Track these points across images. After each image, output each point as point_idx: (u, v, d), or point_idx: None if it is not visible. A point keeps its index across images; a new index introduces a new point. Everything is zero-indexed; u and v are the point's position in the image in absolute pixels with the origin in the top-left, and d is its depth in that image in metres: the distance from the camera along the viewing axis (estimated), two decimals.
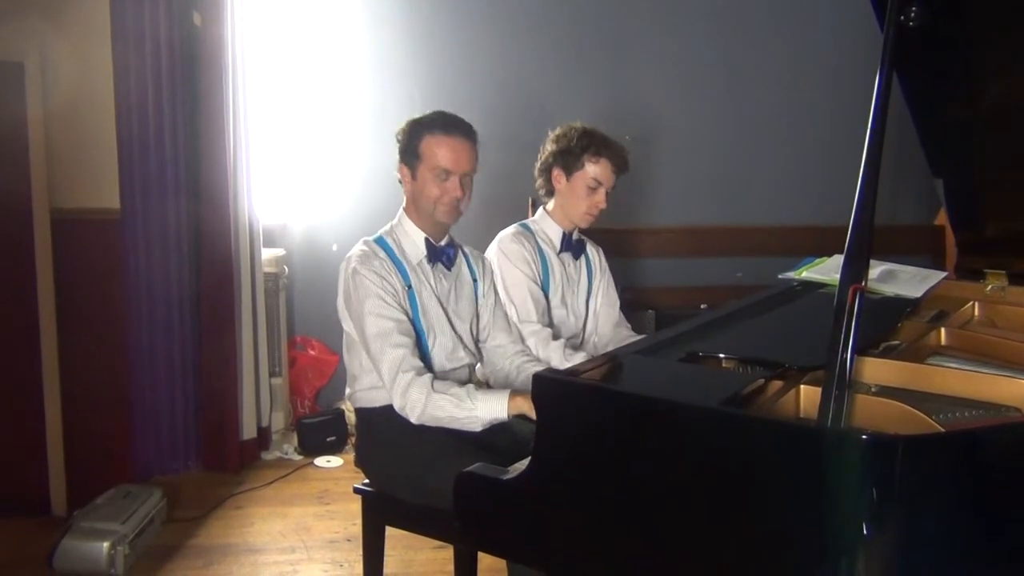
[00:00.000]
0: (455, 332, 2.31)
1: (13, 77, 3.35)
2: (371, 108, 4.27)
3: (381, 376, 2.15)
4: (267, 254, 4.05)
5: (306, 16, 4.24)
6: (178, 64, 3.62)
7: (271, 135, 4.16)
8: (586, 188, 2.63)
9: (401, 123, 2.30)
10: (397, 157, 2.30)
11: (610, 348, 2.56)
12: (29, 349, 3.42)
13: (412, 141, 2.24)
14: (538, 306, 2.60)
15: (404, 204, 2.33)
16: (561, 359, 2.50)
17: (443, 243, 2.33)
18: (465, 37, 4.35)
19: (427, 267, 2.29)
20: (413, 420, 2.09)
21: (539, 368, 2.35)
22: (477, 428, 2.07)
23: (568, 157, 2.63)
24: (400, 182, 2.32)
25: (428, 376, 2.11)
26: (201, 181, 3.72)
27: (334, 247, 4.28)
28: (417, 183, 2.24)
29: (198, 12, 3.67)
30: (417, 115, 2.29)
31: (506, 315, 2.50)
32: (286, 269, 4.24)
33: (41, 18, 3.40)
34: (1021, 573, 1.31)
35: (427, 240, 2.29)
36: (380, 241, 2.28)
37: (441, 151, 2.21)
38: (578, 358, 2.50)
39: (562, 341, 2.60)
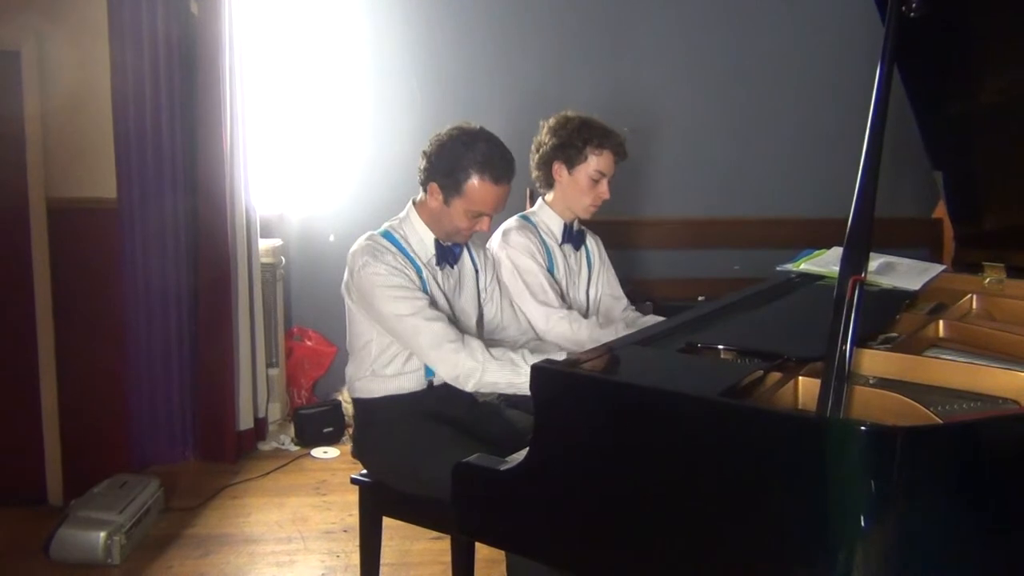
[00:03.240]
0: (460, 329, 2.30)
1: (9, 66, 3.34)
2: (369, 98, 4.26)
3: (422, 351, 2.12)
4: (264, 244, 4.04)
5: (304, 5, 4.22)
6: (175, 52, 3.61)
7: (268, 124, 4.15)
8: (589, 180, 2.60)
9: (446, 130, 2.19)
10: (425, 160, 2.19)
11: (622, 331, 2.58)
12: (25, 338, 3.42)
13: (456, 173, 2.14)
14: (555, 291, 2.59)
15: (418, 201, 2.28)
16: (597, 332, 2.48)
17: (449, 242, 2.30)
18: (464, 27, 4.33)
19: (434, 266, 2.27)
20: (468, 388, 2.07)
21: (552, 351, 2.35)
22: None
23: (570, 151, 2.59)
24: (423, 184, 2.23)
25: (478, 342, 2.09)
26: (198, 170, 3.72)
27: (331, 238, 4.27)
28: (448, 210, 2.18)
29: (195, 1, 3.65)
30: (463, 125, 2.19)
31: (512, 306, 2.49)
32: (283, 260, 4.23)
33: (38, 6, 3.38)
34: (1019, 565, 1.31)
35: (436, 241, 2.26)
36: (388, 235, 2.24)
37: (486, 197, 2.15)
38: (609, 332, 2.48)
39: (594, 319, 2.59)
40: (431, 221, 2.25)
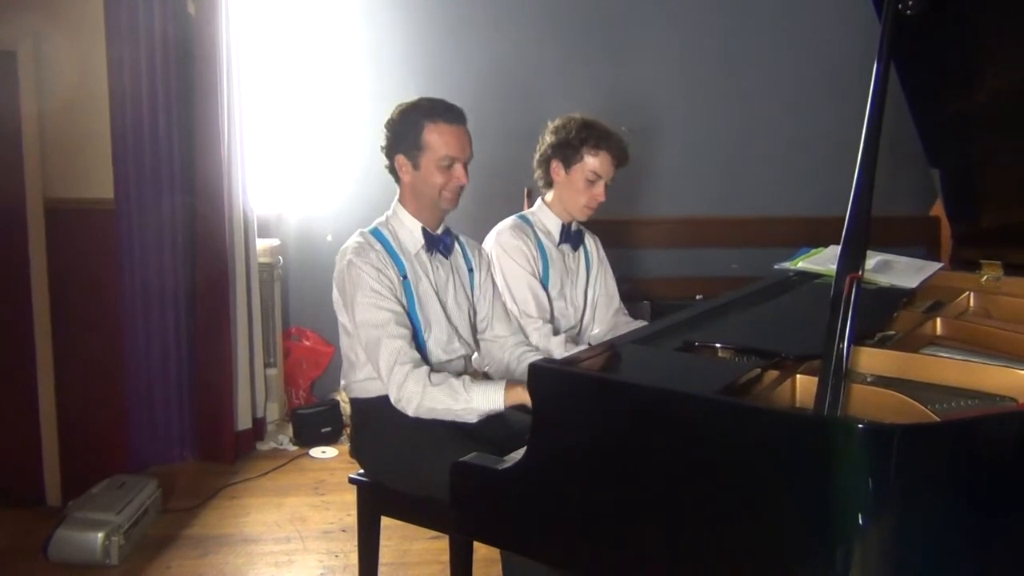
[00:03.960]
0: (451, 323, 2.30)
1: (6, 66, 3.34)
2: (367, 97, 4.25)
3: (377, 368, 2.14)
4: (262, 244, 4.04)
5: (301, 5, 4.22)
6: (172, 53, 3.61)
7: (266, 125, 4.14)
8: (585, 181, 2.60)
9: (389, 111, 2.27)
10: (384, 146, 2.27)
11: (608, 336, 2.58)
12: (23, 339, 3.42)
13: (411, 131, 2.20)
14: (539, 302, 2.59)
15: (399, 194, 2.31)
16: (562, 353, 2.49)
17: (440, 231, 2.32)
18: (462, 27, 4.33)
19: (424, 257, 2.28)
20: (410, 413, 2.08)
21: (539, 357, 2.35)
22: (473, 419, 2.06)
23: (567, 149, 2.60)
24: (392, 172, 2.29)
25: (425, 368, 2.10)
26: (195, 170, 3.71)
27: (329, 237, 4.27)
28: (420, 173, 2.22)
29: (192, 1, 3.65)
30: (402, 102, 2.26)
31: (505, 306, 2.49)
32: (281, 259, 4.23)
33: (34, 6, 3.38)
34: (1016, 562, 1.31)
35: (424, 229, 2.28)
36: (376, 232, 2.27)
37: (447, 140, 2.19)
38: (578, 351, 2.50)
39: (563, 336, 2.59)
40: (415, 203, 2.27)
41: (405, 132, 2.22)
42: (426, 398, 2.06)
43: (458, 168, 2.22)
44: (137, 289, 3.61)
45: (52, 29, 3.39)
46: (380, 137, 2.28)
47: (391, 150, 2.26)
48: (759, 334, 1.91)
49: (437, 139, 2.19)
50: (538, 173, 2.71)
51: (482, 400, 2.04)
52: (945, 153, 2.39)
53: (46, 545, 2.86)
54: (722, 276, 4.41)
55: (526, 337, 2.50)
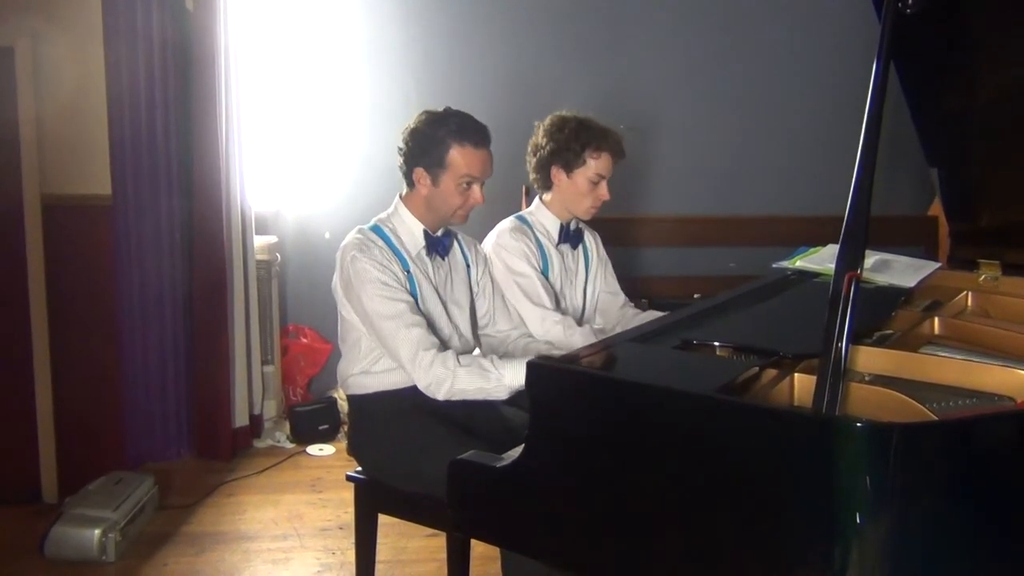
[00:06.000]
0: (451, 321, 2.30)
1: (3, 62, 3.33)
2: (365, 95, 4.25)
3: (399, 358, 2.12)
4: (259, 241, 4.03)
5: (300, 2, 4.21)
6: (170, 49, 3.60)
7: (264, 121, 4.14)
8: (589, 183, 2.58)
9: (414, 118, 2.22)
10: (403, 151, 2.22)
11: (618, 329, 2.57)
12: (20, 336, 3.41)
13: (437, 148, 2.17)
14: (550, 295, 2.58)
15: (404, 195, 2.29)
16: (591, 340, 2.48)
17: (439, 233, 2.31)
18: (461, 25, 4.33)
19: (424, 257, 2.27)
20: (440, 397, 2.07)
21: (543, 347, 2.35)
22: (504, 395, 2.05)
23: (568, 154, 2.56)
24: (406, 176, 2.25)
25: (451, 351, 2.10)
26: (193, 167, 3.71)
27: (327, 235, 4.27)
28: (439, 190, 2.20)
29: None
30: (429, 109, 2.22)
31: (505, 301, 2.49)
32: (279, 257, 4.22)
33: (32, 3, 3.37)
34: (1014, 561, 1.31)
35: (425, 232, 2.26)
36: (376, 229, 2.25)
37: (470, 162, 2.17)
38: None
39: (588, 327, 2.58)
40: (424, 210, 2.25)
41: (429, 147, 2.18)
42: (457, 380, 2.05)
43: (476, 189, 2.21)
44: (135, 286, 3.61)
45: (50, 26, 3.38)
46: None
47: (411, 161, 2.22)
48: (757, 333, 1.91)
49: (461, 161, 2.17)
50: (535, 177, 2.66)
51: (513, 376, 2.03)
52: (944, 152, 2.39)
53: (42, 542, 2.86)
54: (720, 275, 4.40)
55: (528, 330, 2.49)
